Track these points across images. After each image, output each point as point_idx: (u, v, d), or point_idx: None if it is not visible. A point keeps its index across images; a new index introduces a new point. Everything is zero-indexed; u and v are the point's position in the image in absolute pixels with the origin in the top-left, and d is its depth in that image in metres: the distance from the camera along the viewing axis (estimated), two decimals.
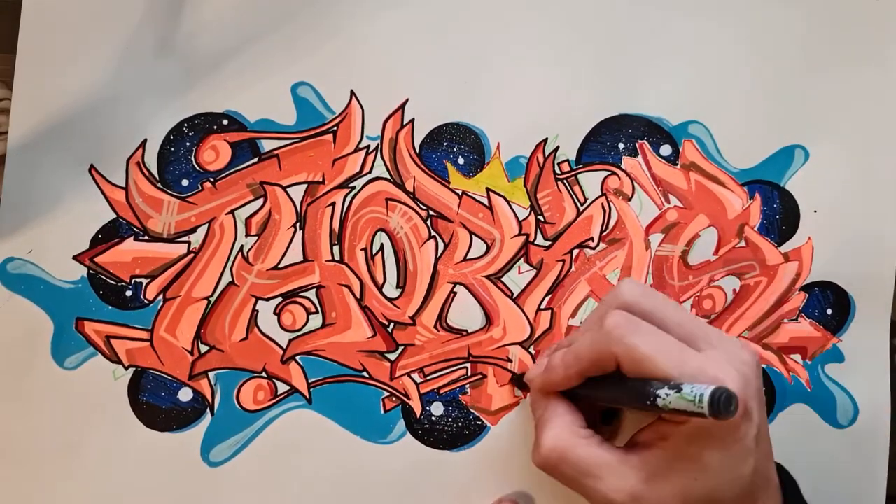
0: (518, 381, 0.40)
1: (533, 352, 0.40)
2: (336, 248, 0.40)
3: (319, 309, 0.40)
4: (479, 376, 0.40)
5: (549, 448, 0.34)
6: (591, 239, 0.41)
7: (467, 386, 0.40)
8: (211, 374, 0.39)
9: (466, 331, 0.40)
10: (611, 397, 0.34)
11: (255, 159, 0.40)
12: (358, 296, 0.40)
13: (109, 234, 0.40)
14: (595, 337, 0.33)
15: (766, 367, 0.41)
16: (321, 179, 0.40)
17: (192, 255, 0.40)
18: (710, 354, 0.32)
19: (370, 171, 0.41)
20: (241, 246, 0.40)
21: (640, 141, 0.42)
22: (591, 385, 0.34)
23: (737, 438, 0.31)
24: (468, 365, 0.40)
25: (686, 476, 0.32)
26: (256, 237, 0.40)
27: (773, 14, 0.42)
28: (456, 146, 0.41)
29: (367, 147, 0.41)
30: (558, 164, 0.41)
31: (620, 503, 0.32)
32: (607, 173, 0.41)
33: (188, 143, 0.40)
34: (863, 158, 0.42)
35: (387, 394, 0.40)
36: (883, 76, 0.42)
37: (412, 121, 0.41)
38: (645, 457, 0.32)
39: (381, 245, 0.40)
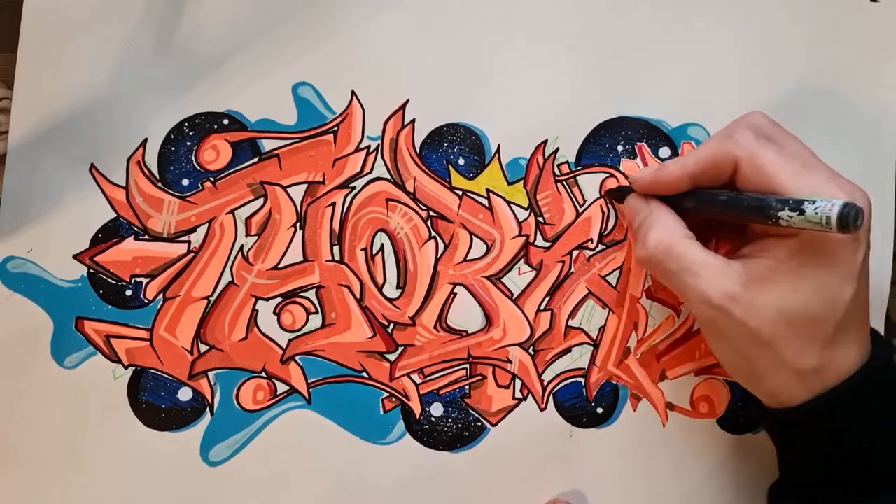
0: (615, 192, 0.40)
1: (532, 353, 0.41)
2: (336, 249, 0.40)
3: (319, 309, 0.40)
4: (479, 377, 0.40)
5: (657, 241, 0.34)
6: (591, 240, 0.41)
7: (467, 387, 0.40)
8: (210, 374, 0.39)
9: (466, 331, 0.40)
10: (720, 209, 0.34)
11: (256, 159, 0.40)
12: (358, 296, 0.40)
13: (110, 234, 0.40)
14: (720, 142, 0.34)
15: None
16: (321, 179, 0.40)
17: (192, 255, 0.40)
18: (829, 179, 0.32)
19: (371, 172, 0.41)
20: (242, 246, 0.40)
21: (639, 143, 0.42)
22: (698, 198, 0.35)
23: (843, 260, 0.32)
24: (468, 366, 0.40)
25: (786, 287, 0.32)
26: (256, 237, 0.40)
27: (773, 17, 0.42)
28: (456, 147, 0.41)
29: (368, 147, 0.41)
30: (558, 165, 0.41)
31: (716, 301, 0.33)
32: (606, 175, 0.42)
33: (189, 143, 0.40)
34: (861, 163, 0.42)
35: (386, 394, 0.40)
36: (882, 80, 0.43)
37: (413, 121, 0.41)
38: (747, 264, 0.33)
39: (382, 245, 0.40)
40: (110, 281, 0.39)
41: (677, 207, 0.36)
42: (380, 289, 0.40)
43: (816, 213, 0.29)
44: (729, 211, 0.34)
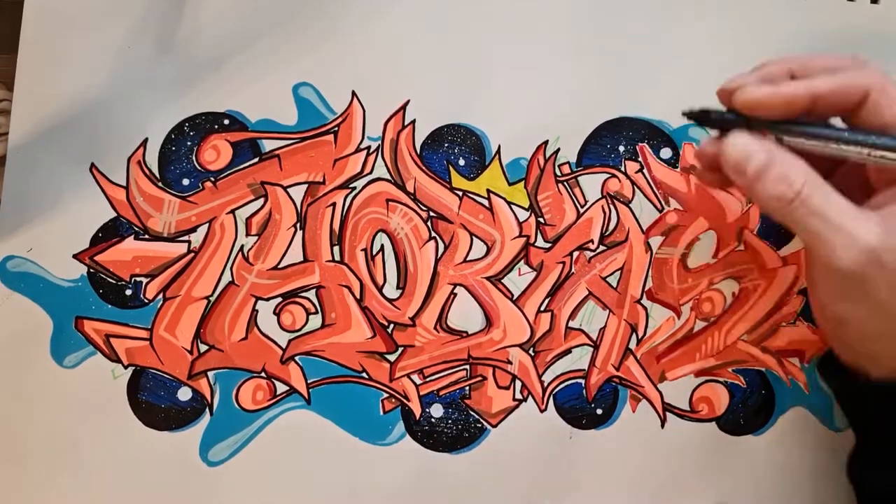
0: (701, 114, 0.33)
1: (533, 353, 0.41)
2: (336, 249, 0.40)
3: (319, 309, 0.40)
4: (479, 378, 0.40)
5: (801, 180, 0.30)
6: (591, 241, 0.41)
7: (467, 388, 0.40)
8: (210, 374, 0.39)
9: (466, 332, 0.40)
10: (840, 141, 0.31)
11: (256, 159, 0.40)
12: (358, 296, 0.40)
13: (110, 233, 0.40)
14: (851, 68, 0.32)
15: (766, 370, 0.41)
16: (322, 180, 0.40)
17: (192, 255, 0.40)
18: None
19: (371, 172, 0.41)
20: (242, 246, 0.40)
21: (640, 144, 0.42)
22: (811, 131, 0.31)
23: None
24: (468, 367, 0.40)
25: None
26: (257, 237, 0.40)
27: (774, 18, 0.42)
28: (457, 147, 0.41)
29: (368, 148, 0.41)
30: (559, 166, 0.41)
31: (870, 245, 0.30)
32: (607, 176, 0.41)
33: (189, 143, 0.40)
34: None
35: (386, 395, 0.40)
36: None
37: (413, 122, 0.41)
38: (885, 215, 0.31)
39: (382, 246, 0.40)
40: (110, 280, 0.39)
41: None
42: (380, 289, 0.40)
43: None
44: (863, 152, 0.30)
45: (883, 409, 0.34)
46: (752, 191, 0.32)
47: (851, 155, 0.31)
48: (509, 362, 0.40)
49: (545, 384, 0.40)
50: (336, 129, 0.41)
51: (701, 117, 0.33)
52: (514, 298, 0.41)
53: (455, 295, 0.40)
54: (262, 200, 0.40)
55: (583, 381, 0.41)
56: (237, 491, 0.39)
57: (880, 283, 0.30)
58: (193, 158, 0.40)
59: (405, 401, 0.40)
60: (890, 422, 0.34)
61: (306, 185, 0.40)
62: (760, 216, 0.42)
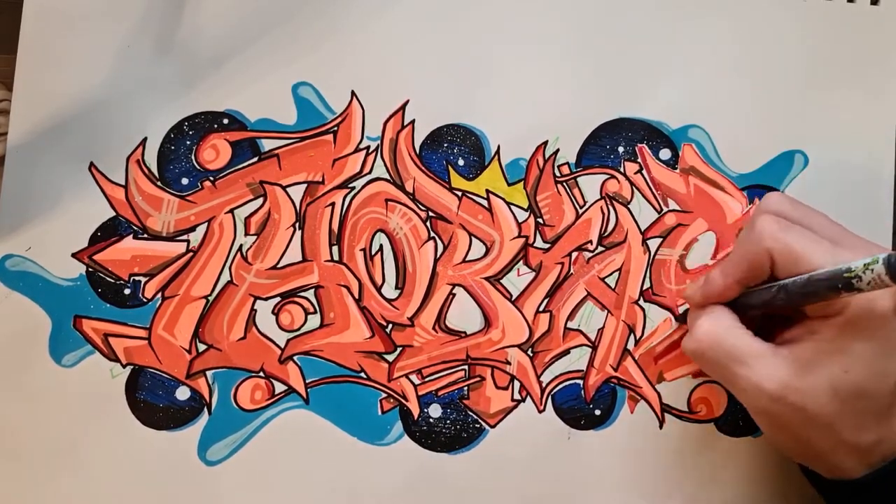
0: (682, 317, 0.41)
1: (531, 354, 0.41)
2: (335, 249, 0.40)
3: (318, 309, 0.40)
4: (478, 378, 0.40)
5: (704, 331, 0.35)
6: (590, 242, 0.41)
7: (466, 388, 0.40)
8: (209, 373, 0.39)
9: (465, 332, 0.40)
10: (783, 302, 0.34)
11: (255, 159, 0.40)
12: (356, 296, 0.40)
13: (109, 232, 0.40)
14: (749, 239, 0.34)
15: None
16: (321, 179, 0.40)
17: (191, 254, 0.40)
18: (865, 248, 0.33)
19: (370, 172, 0.41)
20: (241, 245, 0.40)
21: (639, 144, 0.42)
22: (753, 298, 0.35)
23: (887, 333, 0.32)
24: (466, 367, 0.40)
25: (836, 367, 0.32)
26: (255, 236, 0.40)
27: (774, 20, 0.42)
28: (456, 147, 0.41)
29: (368, 147, 0.41)
30: (558, 166, 0.41)
31: (771, 391, 0.33)
32: (607, 177, 0.41)
33: (188, 142, 0.40)
34: (862, 165, 0.42)
35: (384, 395, 0.40)
36: (882, 82, 0.43)
37: (413, 122, 0.41)
38: (795, 350, 0.33)
39: (381, 246, 0.40)
40: (109, 280, 0.39)
41: (739, 312, 0.36)
42: (378, 289, 0.40)
43: (873, 271, 0.29)
44: (793, 301, 0.33)
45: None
46: (686, 339, 0.37)
47: (795, 305, 0.34)
48: (508, 363, 0.40)
49: (544, 385, 0.40)
50: (335, 128, 0.41)
51: (681, 318, 0.41)
52: (513, 299, 0.41)
53: (454, 295, 0.40)
54: (261, 200, 0.40)
55: (581, 382, 0.41)
56: (235, 490, 0.39)
57: (788, 416, 0.33)
58: (192, 158, 0.40)
59: (403, 401, 0.40)
60: None
61: (305, 185, 0.40)
62: None
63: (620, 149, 0.42)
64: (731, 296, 0.36)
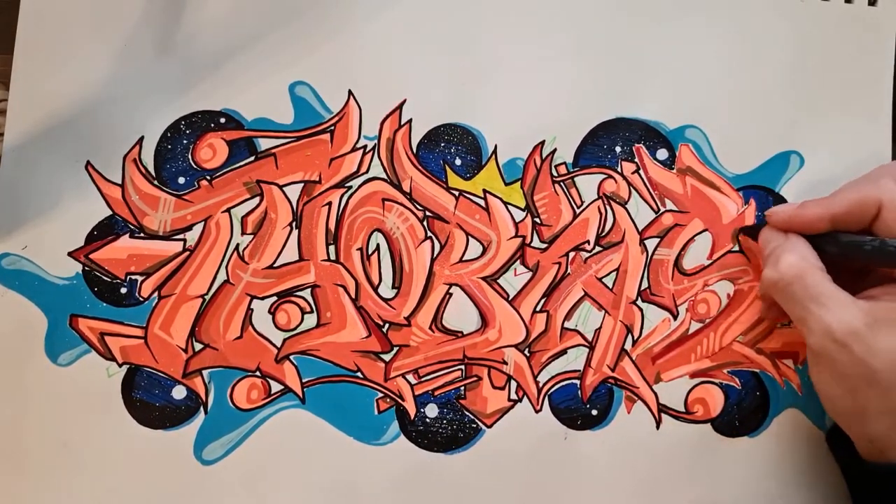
0: (750, 229, 0.40)
1: (528, 354, 0.41)
2: (332, 248, 0.40)
3: (314, 308, 0.40)
4: (475, 378, 0.40)
5: (789, 264, 0.35)
6: (587, 242, 0.41)
7: (462, 388, 0.40)
8: (205, 373, 0.39)
9: (462, 332, 0.40)
10: (866, 256, 0.34)
11: (252, 158, 0.40)
12: (353, 296, 0.40)
13: (105, 231, 0.40)
14: (863, 184, 0.35)
15: (760, 371, 0.41)
16: (318, 179, 0.40)
17: (187, 253, 0.40)
18: None
19: (367, 171, 0.41)
20: (237, 244, 0.40)
21: (636, 145, 0.42)
22: (841, 242, 0.35)
23: None
24: (463, 367, 0.40)
25: None
26: (252, 236, 0.40)
27: (771, 20, 0.42)
28: (453, 147, 0.41)
29: (365, 147, 0.41)
30: (555, 166, 0.41)
31: (839, 334, 0.33)
32: (604, 177, 0.41)
33: (185, 141, 0.40)
34: (857, 165, 0.42)
35: (381, 395, 0.40)
36: (876, 83, 0.43)
37: (410, 121, 0.41)
38: (874, 305, 0.33)
39: (377, 245, 0.40)
40: (105, 278, 0.39)
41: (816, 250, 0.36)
42: (375, 289, 0.40)
43: None
44: (876, 258, 0.34)
45: (885, 494, 0.35)
46: (764, 266, 0.37)
47: (872, 264, 0.35)
48: (504, 363, 0.40)
49: (540, 385, 0.40)
50: (332, 128, 0.41)
51: (751, 230, 0.40)
52: (510, 299, 0.41)
53: (451, 295, 0.40)
54: (257, 199, 0.40)
55: (578, 382, 0.41)
56: (231, 490, 0.39)
57: (848, 365, 0.33)
58: (189, 157, 0.40)
59: (400, 401, 0.40)
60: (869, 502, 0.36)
61: (302, 184, 0.40)
62: (755, 218, 0.42)
63: (618, 149, 0.42)
64: (818, 228, 0.36)
